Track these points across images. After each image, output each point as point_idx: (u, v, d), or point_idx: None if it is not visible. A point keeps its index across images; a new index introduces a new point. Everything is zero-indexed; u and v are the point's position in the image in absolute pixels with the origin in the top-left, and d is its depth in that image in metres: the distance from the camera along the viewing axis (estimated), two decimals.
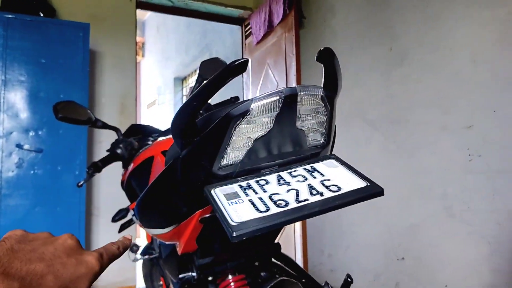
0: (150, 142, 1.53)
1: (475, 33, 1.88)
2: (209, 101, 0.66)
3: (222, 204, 0.60)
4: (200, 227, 0.84)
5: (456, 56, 1.97)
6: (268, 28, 3.53)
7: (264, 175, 0.68)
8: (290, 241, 3.29)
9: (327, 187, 0.63)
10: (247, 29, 4.04)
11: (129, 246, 0.54)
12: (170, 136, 1.36)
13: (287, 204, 0.60)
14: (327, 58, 0.70)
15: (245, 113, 0.63)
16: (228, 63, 0.59)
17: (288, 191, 0.63)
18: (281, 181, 0.66)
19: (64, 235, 0.45)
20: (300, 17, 3.29)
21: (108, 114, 3.32)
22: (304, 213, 0.58)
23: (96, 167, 1.52)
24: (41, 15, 2.98)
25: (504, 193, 1.75)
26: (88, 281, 0.42)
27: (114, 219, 1.57)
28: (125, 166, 1.56)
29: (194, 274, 0.97)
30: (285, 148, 0.70)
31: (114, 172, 2.04)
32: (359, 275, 2.55)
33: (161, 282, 1.39)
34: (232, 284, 0.98)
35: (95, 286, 3.02)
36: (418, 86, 2.19)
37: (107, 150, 1.57)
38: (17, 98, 2.71)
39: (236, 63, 0.58)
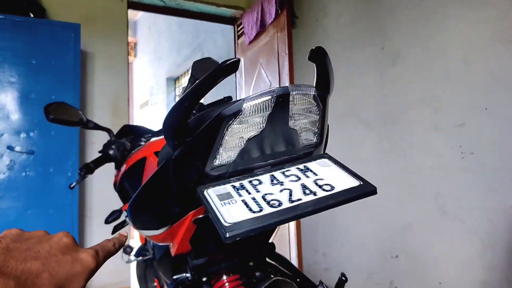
0: (142, 143, 1.52)
1: (467, 33, 1.90)
2: (202, 101, 0.66)
3: (215, 205, 0.60)
4: (193, 228, 0.84)
5: (447, 55, 1.99)
6: (261, 28, 3.53)
7: (257, 175, 0.67)
8: (285, 240, 3.29)
9: (320, 186, 0.63)
10: (239, 28, 4.04)
11: (125, 242, 0.54)
12: (163, 136, 1.35)
13: (280, 204, 0.59)
14: (319, 57, 0.70)
15: (237, 113, 0.63)
16: (220, 62, 0.59)
17: (281, 191, 0.63)
18: (274, 181, 0.66)
19: (59, 233, 0.45)
20: (292, 17, 3.29)
21: (100, 115, 3.30)
22: (297, 213, 0.58)
23: (88, 168, 1.51)
24: (31, 15, 2.95)
25: (496, 191, 1.76)
26: (83, 279, 0.42)
27: (107, 221, 1.56)
28: (117, 167, 1.55)
29: (188, 275, 0.96)
30: (278, 148, 0.70)
31: (106, 174, 2.03)
32: (354, 273, 2.56)
33: (155, 284, 1.38)
34: (226, 284, 0.97)
35: (89, 286, 3.00)
36: (411, 85, 2.20)
37: (99, 151, 1.56)
38: (8, 99, 2.69)
39: (228, 62, 0.58)
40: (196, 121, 0.67)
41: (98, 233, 3.20)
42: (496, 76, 1.76)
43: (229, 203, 0.60)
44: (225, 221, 0.56)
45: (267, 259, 1.06)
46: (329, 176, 0.66)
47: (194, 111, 1.08)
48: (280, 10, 3.27)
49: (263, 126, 0.66)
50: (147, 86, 8.39)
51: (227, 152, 0.66)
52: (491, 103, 1.78)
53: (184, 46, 6.55)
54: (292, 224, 3.22)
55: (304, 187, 0.63)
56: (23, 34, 2.75)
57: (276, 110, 0.66)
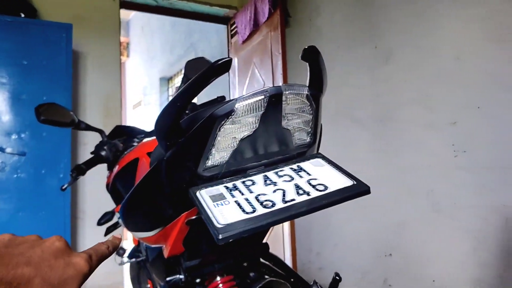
0: (135, 144, 1.51)
1: (459, 31, 1.90)
2: (195, 101, 0.65)
3: (207, 206, 0.59)
4: (186, 229, 0.83)
5: (440, 53, 1.99)
6: (254, 27, 3.53)
7: (250, 175, 0.67)
8: (279, 240, 3.29)
9: (313, 186, 0.63)
10: (232, 28, 4.03)
11: (119, 245, 0.53)
12: (155, 137, 1.34)
13: (273, 204, 0.59)
14: (312, 56, 0.70)
15: (229, 113, 0.62)
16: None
17: (274, 191, 0.62)
18: (268, 181, 0.65)
19: (52, 237, 0.44)
20: (285, 16, 3.29)
21: (92, 116, 3.28)
22: (291, 213, 0.58)
23: (80, 170, 1.50)
24: (22, 15, 2.92)
25: (489, 188, 1.77)
26: (77, 283, 0.42)
27: (100, 222, 1.55)
28: (110, 168, 1.54)
29: (181, 276, 0.95)
30: (271, 148, 0.70)
31: (99, 175, 2.01)
32: (348, 272, 2.56)
33: (149, 285, 1.37)
34: (220, 285, 0.97)
35: None
36: (403, 83, 2.20)
37: (91, 152, 1.54)
38: None
39: (220, 62, 0.58)
40: (188, 121, 0.67)
41: (90, 235, 3.18)
42: (488, 74, 1.77)
43: (222, 204, 0.59)
44: (218, 222, 0.55)
45: (261, 260, 1.06)
46: (323, 176, 0.66)
47: (187, 111, 1.07)
48: (273, 9, 3.26)
49: (256, 126, 0.65)
50: (140, 86, 8.35)
51: (220, 153, 0.65)
52: (483, 101, 1.79)
53: (177, 45, 6.52)
54: (286, 224, 3.22)
55: (297, 187, 0.63)
56: (14, 35, 2.72)
57: (269, 110, 0.65)
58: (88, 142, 3.20)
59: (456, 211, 1.90)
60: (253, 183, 0.64)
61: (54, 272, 0.40)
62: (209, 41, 5.36)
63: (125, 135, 1.62)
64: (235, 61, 3.92)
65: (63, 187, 1.58)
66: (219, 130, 0.63)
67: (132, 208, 0.88)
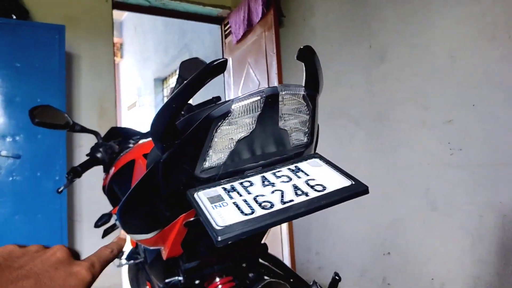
0: (131, 145, 1.50)
1: (452, 29, 1.91)
2: (190, 102, 0.64)
3: (206, 208, 0.59)
4: (184, 231, 0.83)
5: (434, 52, 2.00)
6: (248, 27, 3.52)
7: (248, 176, 0.66)
8: (277, 240, 3.29)
9: (312, 187, 0.62)
10: (226, 28, 4.02)
11: (124, 246, 0.53)
12: (151, 139, 1.33)
13: (272, 205, 0.59)
14: (308, 56, 0.69)
15: (226, 114, 0.62)
16: (208, 63, 0.58)
17: (273, 192, 0.62)
18: (266, 182, 0.65)
19: (54, 247, 0.44)
20: (279, 16, 3.29)
21: (87, 118, 3.26)
22: (289, 214, 0.58)
23: (76, 172, 1.49)
24: (14, 17, 2.89)
25: (484, 186, 1.78)
26: None
27: (97, 225, 1.54)
28: (106, 170, 1.53)
29: (180, 278, 0.95)
30: (268, 149, 0.69)
31: (95, 177, 2.00)
32: (347, 271, 2.57)
33: (148, 287, 1.37)
34: (219, 286, 0.96)
35: None
36: (399, 82, 2.21)
37: (87, 155, 1.53)
38: None
39: (215, 63, 0.57)
40: (184, 123, 0.66)
41: (88, 237, 3.16)
42: (482, 72, 1.78)
43: (220, 206, 0.59)
44: (216, 224, 0.55)
45: (260, 260, 1.06)
46: (321, 176, 0.65)
47: (183, 112, 1.07)
48: (266, 9, 3.26)
49: (252, 127, 0.65)
50: (134, 87, 8.32)
51: (217, 154, 0.64)
52: (478, 99, 1.80)
53: (171, 46, 6.51)
54: (285, 224, 3.22)
55: (295, 187, 0.63)
56: (6, 37, 2.69)
57: (266, 111, 0.65)
58: (83, 144, 3.18)
59: (453, 209, 1.91)
60: (251, 184, 0.64)
61: (54, 284, 0.39)
62: (202, 42, 5.35)
63: (120, 136, 1.62)
64: (229, 61, 3.91)
65: (59, 190, 1.57)
66: (216, 131, 0.62)
67: (129, 210, 0.87)
